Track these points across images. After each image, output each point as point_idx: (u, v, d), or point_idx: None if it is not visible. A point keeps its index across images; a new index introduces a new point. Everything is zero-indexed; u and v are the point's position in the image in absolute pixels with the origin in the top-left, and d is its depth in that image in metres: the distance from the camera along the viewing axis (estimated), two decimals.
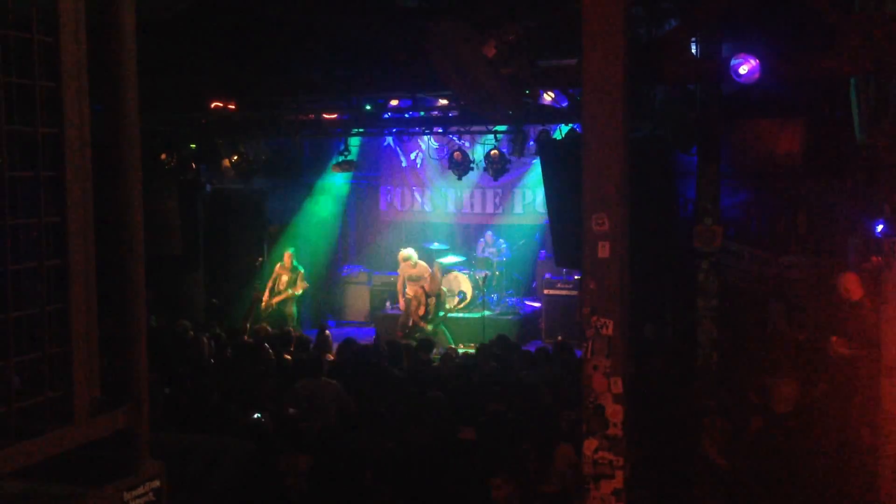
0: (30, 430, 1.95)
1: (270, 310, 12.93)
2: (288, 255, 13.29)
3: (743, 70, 5.78)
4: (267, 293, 13.13)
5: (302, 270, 13.28)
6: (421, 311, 12.80)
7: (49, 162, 2.00)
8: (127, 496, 2.15)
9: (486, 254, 14.56)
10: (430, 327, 12.71)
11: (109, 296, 2.22)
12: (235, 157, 12.92)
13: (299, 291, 13.18)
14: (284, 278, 13.15)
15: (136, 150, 2.23)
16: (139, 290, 2.24)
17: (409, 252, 13.56)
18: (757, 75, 5.77)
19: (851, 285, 7.29)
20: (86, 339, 2.08)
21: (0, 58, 1.90)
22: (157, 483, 2.23)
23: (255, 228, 14.46)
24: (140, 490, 2.18)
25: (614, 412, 5.47)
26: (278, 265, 13.36)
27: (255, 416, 7.11)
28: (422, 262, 13.50)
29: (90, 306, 2.10)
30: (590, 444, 5.50)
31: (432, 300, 12.86)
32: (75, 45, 2.04)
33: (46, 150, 2.00)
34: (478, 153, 12.51)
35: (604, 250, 5.49)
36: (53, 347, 2.03)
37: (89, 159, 2.10)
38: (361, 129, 12.71)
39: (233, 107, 11.52)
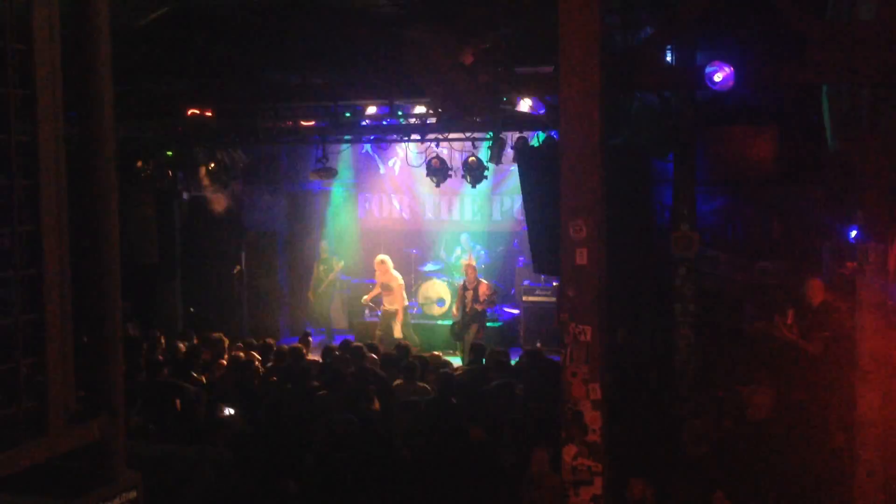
0: (3, 441, 1.93)
1: (319, 302, 14.11)
2: (323, 245, 14.33)
3: (717, 78, 5.84)
4: (311, 291, 14.14)
5: (335, 256, 14.20)
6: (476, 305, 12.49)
7: (23, 170, 1.99)
8: None
9: (460, 260, 14.51)
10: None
11: (85, 305, 2.20)
12: (212, 165, 12.84)
13: (336, 271, 14.06)
14: (322, 268, 14.12)
15: (112, 158, 2.21)
16: (115, 300, 2.23)
17: (383, 256, 13.53)
18: (731, 83, 5.83)
19: (814, 291, 7.39)
20: (61, 349, 2.06)
21: None
22: (133, 494, 2.21)
23: (232, 236, 14.37)
24: (116, 501, 2.16)
25: (593, 418, 5.49)
26: (315, 262, 14.28)
27: (227, 411, 6.98)
28: (393, 271, 13.38)
29: (65, 316, 2.08)
30: (569, 451, 5.51)
31: (469, 293, 12.31)
32: (49, 53, 2.02)
33: (20, 158, 1.98)
34: (455, 160, 12.50)
35: (581, 257, 5.52)
36: (28, 358, 2.01)
37: (64, 167, 2.08)
38: (339, 136, 12.66)
39: (209, 114, 11.43)
